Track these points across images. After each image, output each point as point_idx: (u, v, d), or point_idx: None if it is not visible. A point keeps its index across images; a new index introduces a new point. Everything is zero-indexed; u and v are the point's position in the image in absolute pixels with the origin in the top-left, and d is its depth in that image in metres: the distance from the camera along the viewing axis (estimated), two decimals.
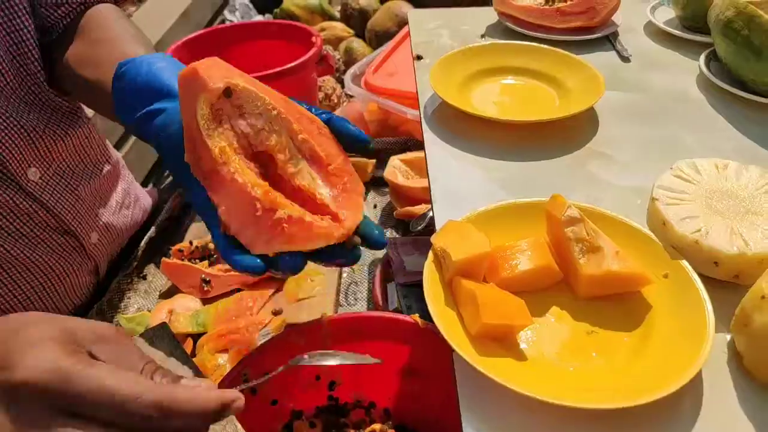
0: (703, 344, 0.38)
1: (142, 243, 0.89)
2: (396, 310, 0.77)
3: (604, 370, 0.40)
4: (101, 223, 0.79)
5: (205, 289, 0.79)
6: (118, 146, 1.32)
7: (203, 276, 0.79)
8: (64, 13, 0.68)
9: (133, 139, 1.31)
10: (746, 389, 0.39)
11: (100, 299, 0.81)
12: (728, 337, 0.42)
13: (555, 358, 0.42)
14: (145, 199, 0.95)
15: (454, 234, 0.45)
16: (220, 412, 0.34)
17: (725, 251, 0.43)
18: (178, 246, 0.83)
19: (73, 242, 0.74)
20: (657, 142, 0.64)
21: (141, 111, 0.49)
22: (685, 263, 0.44)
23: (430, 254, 0.46)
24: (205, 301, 0.79)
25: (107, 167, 0.82)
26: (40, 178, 0.68)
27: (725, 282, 0.45)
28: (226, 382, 0.51)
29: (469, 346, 0.40)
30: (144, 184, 1.32)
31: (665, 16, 0.87)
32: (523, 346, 0.42)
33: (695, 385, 0.39)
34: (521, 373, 0.39)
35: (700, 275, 0.44)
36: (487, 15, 0.91)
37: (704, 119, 0.67)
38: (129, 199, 0.89)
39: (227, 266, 0.80)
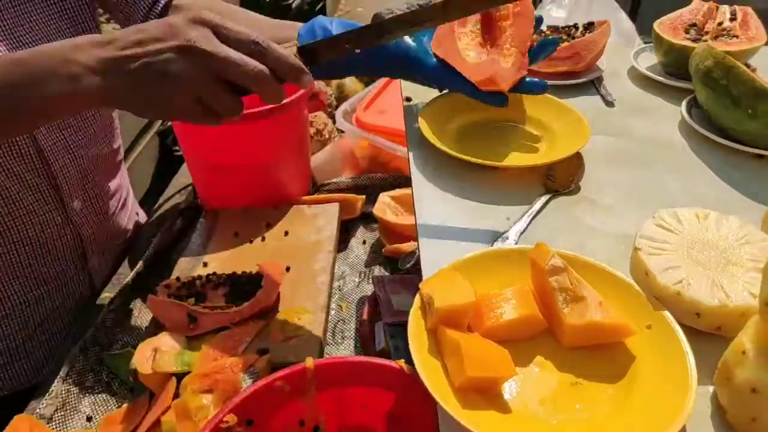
0: (686, 399, 0.38)
1: (128, 278, 0.89)
2: (383, 351, 0.76)
3: (587, 424, 0.40)
4: (89, 193, 0.82)
5: (191, 326, 0.78)
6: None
7: (189, 313, 0.79)
8: None
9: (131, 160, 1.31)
10: None
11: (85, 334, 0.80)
12: (711, 389, 0.42)
13: (539, 410, 0.41)
14: (136, 207, 0.97)
15: (441, 281, 0.45)
16: (297, 72, 0.51)
17: (707, 303, 0.44)
18: (165, 282, 0.82)
19: (55, 198, 0.77)
20: (641, 187, 0.65)
21: None
22: (667, 314, 0.45)
23: (417, 300, 0.46)
24: (191, 340, 0.78)
25: (109, 148, 0.86)
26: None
27: (708, 333, 0.45)
28: (208, 429, 0.50)
29: (452, 398, 0.40)
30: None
31: (648, 61, 0.90)
32: (507, 396, 0.42)
33: None
34: (505, 426, 0.39)
35: (684, 326, 0.44)
36: None
37: (687, 165, 0.68)
38: (121, 194, 0.91)
39: (214, 303, 0.80)
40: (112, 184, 0.91)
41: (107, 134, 0.87)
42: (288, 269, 0.86)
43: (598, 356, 0.45)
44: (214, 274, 0.83)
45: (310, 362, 0.54)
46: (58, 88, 0.49)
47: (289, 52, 0.52)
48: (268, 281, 0.79)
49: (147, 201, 1.78)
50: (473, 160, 0.65)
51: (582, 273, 0.47)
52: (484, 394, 0.41)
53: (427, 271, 0.53)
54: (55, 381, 0.74)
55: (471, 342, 0.42)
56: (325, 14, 2.48)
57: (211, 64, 0.47)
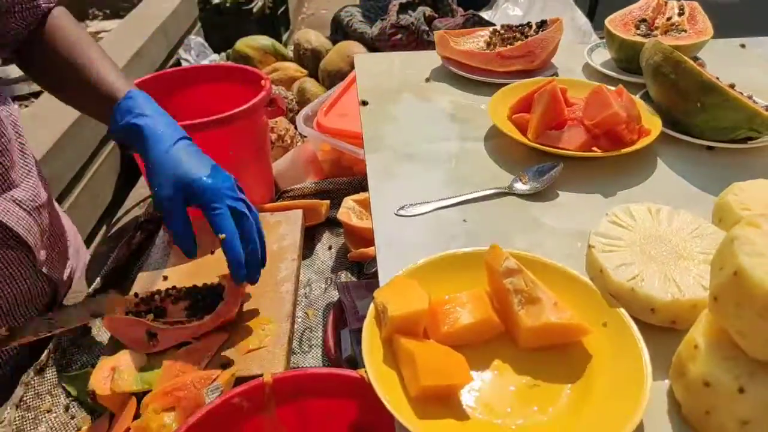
0: (641, 395, 0.38)
1: (84, 296, 0.86)
2: (349, 358, 0.75)
3: (546, 426, 0.40)
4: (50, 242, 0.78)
5: (151, 343, 0.76)
6: (65, 193, 1.28)
7: (148, 330, 0.76)
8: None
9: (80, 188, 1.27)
10: None
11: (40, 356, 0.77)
12: (668, 383, 0.43)
13: (498, 415, 0.41)
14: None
15: (395, 289, 0.45)
16: None
17: (660, 298, 0.44)
18: (122, 301, 0.79)
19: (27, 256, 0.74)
20: (597, 184, 0.65)
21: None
22: (622, 311, 0.45)
23: (371, 309, 0.46)
24: (152, 357, 0.76)
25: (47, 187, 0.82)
26: None
27: (664, 328, 0.45)
28: None
29: (408, 409, 0.39)
30: (92, 233, 1.28)
31: (602, 57, 0.91)
32: (466, 403, 0.42)
33: None
34: None
35: (639, 322, 0.44)
36: (431, 59, 0.93)
37: (641, 159, 0.69)
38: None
39: (175, 318, 0.77)
40: (59, 222, 0.86)
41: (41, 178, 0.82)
42: None
43: (556, 357, 0.44)
44: (174, 288, 0.81)
45: (267, 377, 0.53)
46: None
47: None
48: (229, 293, 0.77)
49: (112, 213, 1.73)
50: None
51: (537, 273, 0.47)
52: (442, 401, 0.41)
53: (384, 278, 0.52)
54: (8, 407, 0.70)
55: (425, 350, 0.41)
56: (287, 18, 2.45)
57: None
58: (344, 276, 0.93)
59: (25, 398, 0.72)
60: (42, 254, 0.78)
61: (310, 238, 1.00)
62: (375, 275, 0.88)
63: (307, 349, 0.81)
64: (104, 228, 1.65)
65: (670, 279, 0.45)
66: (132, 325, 0.76)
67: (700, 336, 0.39)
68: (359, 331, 0.78)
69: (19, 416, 0.71)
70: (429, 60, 0.93)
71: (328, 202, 1.02)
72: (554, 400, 0.42)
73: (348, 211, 0.98)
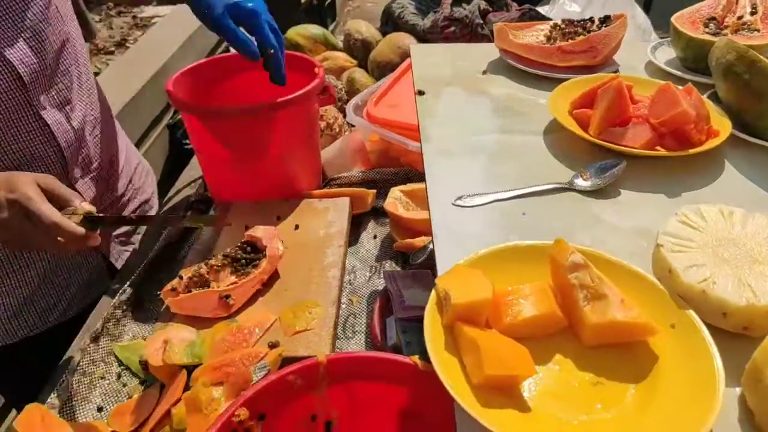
0: (713, 402, 0.37)
1: (139, 269, 0.89)
2: (395, 346, 0.75)
3: (610, 424, 0.39)
4: (89, 159, 0.89)
5: (230, 303, 0.78)
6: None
7: (220, 294, 0.78)
8: None
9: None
10: None
11: (96, 324, 0.80)
12: (738, 391, 0.41)
13: (559, 409, 0.40)
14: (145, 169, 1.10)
15: (459, 277, 0.45)
16: (80, 240, 0.68)
17: (734, 302, 0.42)
18: (169, 286, 0.81)
19: (60, 166, 0.83)
20: (661, 184, 0.63)
21: None
22: (692, 313, 0.44)
23: (433, 296, 0.46)
24: (202, 332, 0.78)
25: (102, 116, 0.93)
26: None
27: (734, 333, 0.44)
28: (219, 423, 0.49)
29: (471, 396, 0.39)
30: None
31: (666, 56, 0.88)
32: (526, 395, 0.41)
33: None
34: (525, 425, 0.38)
35: (708, 325, 0.43)
36: (489, 51, 0.92)
37: (708, 161, 0.67)
38: (120, 157, 1.00)
39: (228, 282, 0.79)
40: (108, 152, 0.95)
41: (95, 106, 0.92)
42: (297, 227, 0.92)
43: (620, 355, 0.44)
44: (214, 257, 0.83)
45: (322, 356, 0.53)
46: None
47: (74, 220, 0.68)
48: (267, 238, 0.82)
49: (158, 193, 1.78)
50: None
51: (602, 270, 0.46)
52: (503, 391, 0.40)
53: (441, 267, 0.52)
54: (66, 371, 0.73)
55: (489, 339, 0.41)
56: (334, 9, 2.47)
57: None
58: (389, 265, 0.94)
59: (81, 363, 0.75)
60: (75, 172, 0.86)
61: (355, 226, 1.01)
62: (421, 266, 0.89)
63: (350, 335, 0.82)
64: None
65: (744, 283, 0.43)
66: (202, 298, 0.78)
67: None
68: (405, 320, 0.78)
69: (75, 380, 0.73)
70: (484, 52, 0.92)
71: (374, 191, 1.03)
72: (618, 399, 0.41)
73: (395, 201, 0.98)
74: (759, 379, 0.37)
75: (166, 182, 1.41)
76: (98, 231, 0.72)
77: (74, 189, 0.85)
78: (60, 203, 0.69)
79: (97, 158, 0.92)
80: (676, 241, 0.47)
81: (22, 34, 0.74)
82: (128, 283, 0.86)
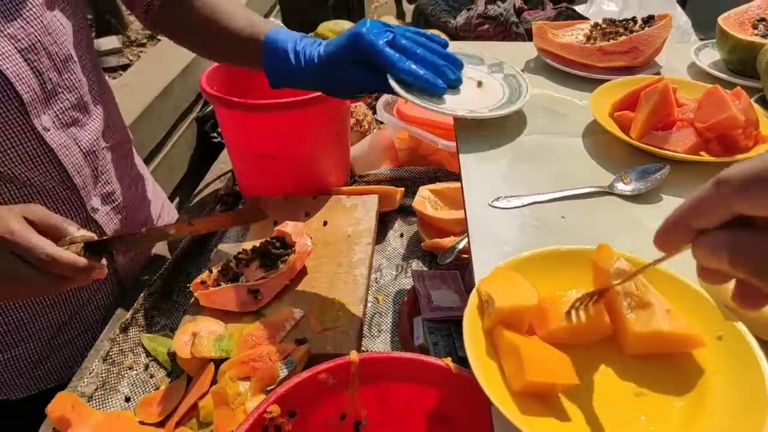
0: (765, 420, 0.35)
1: (168, 263, 0.89)
2: (422, 347, 0.74)
3: None
4: (105, 189, 0.83)
5: (258, 298, 0.78)
6: (144, 163, 1.33)
7: (249, 289, 0.78)
8: None
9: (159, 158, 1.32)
10: None
11: (125, 315, 0.81)
12: None
13: (600, 420, 0.39)
14: (161, 197, 1.02)
15: (502, 281, 0.44)
16: (82, 272, 0.59)
17: None
18: (198, 279, 0.81)
19: (73, 198, 0.77)
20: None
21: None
22: (740, 325, 0.42)
23: (473, 299, 0.45)
24: (230, 327, 0.78)
25: (113, 140, 0.86)
26: (52, 124, 0.72)
27: None
28: (252, 419, 0.49)
29: (511, 403, 0.38)
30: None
31: (710, 58, 0.86)
32: (568, 403, 0.40)
33: None
34: None
35: (758, 339, 0.41)
36: (523, 50, 0.90)
37: None
38: (138, 185, 0.94)
39: (257, 276, 0.79)
40: (127, 176, 0.90)
41: (110, 127, 0.85)
42: (325, 224, 0.92)
43: (664, 366, 0.42)
44: (243, 251, 0.83)
45: (354, 356, 0.53)
46: None
47: (73, 250, 0.59)
48: (296, 234, 0.82)
49: (184, 186, 1.79)
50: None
51: (646, 277, 0.44)
52: (543, 399, 0.39)
53: (478, 268, 0.51)
54: (96, 360, 0.74)
55: (531, 345, 0.40)
56: (363, 7, 2.46)
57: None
58: (415, 264, 0.93)
59: (111, 353, 0.76)
60: (94, 201, 0.80)
61: (382, 224, 1.00)
62: (449, 266, 0.88)
63: (376, 334, 0.82)
64: (176, 201, 1.72)
65: None
66: (231, 292, 0.78)
67: None
68: (432, 320, 0.77)
69: (105, 369, 0.74)
70: (521, 51, 0.91)
71: (402, 189, 1.02)
72: (665, 412, 0.39)
73: (423, 200, 0.97)
74: None
75: (195, 174, 1.42)
76: (103, 259, 0.63)
77: (94, 221, 0.80)
78: (54, 235, 0.59)
79: (115, 184, 0.85)
80: None
81: (15, 44, 0.66)
82: (157, 275, 0.87)
